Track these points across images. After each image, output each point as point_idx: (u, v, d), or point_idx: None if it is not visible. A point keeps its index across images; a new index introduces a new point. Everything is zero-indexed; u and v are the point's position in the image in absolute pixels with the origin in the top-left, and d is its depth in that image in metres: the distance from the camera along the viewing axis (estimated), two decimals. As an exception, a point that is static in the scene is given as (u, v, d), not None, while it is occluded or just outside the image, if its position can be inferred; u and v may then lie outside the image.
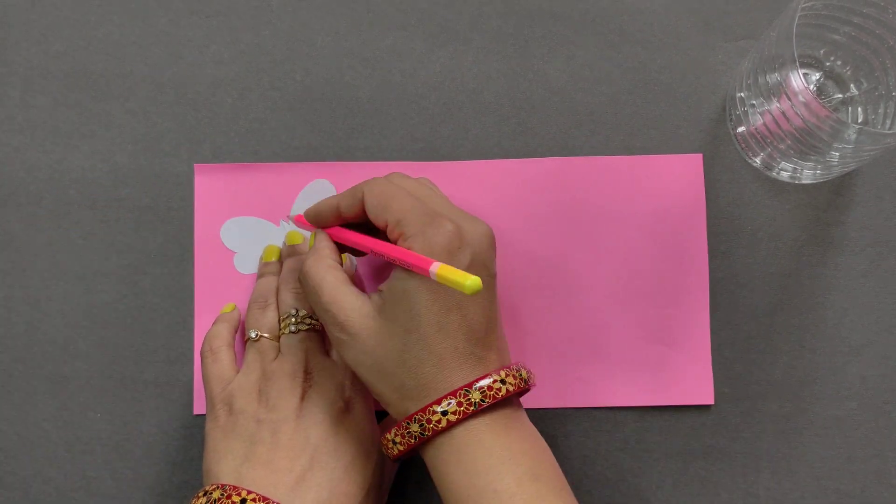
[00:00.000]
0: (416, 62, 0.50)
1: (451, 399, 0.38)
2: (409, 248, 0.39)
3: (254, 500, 0.39)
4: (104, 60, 0.50)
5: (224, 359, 0.45)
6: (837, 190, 0.49)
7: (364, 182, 0.43)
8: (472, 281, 0.36)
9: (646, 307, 0.49)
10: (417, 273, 0.38)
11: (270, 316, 0.46)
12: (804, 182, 0.49)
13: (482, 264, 0.40)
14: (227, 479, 0.41)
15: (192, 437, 0.49)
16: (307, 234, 0.49)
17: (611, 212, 0.49)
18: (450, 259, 0.39)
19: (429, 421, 0.39)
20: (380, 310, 0.40)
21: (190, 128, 0.50)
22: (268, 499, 0.39)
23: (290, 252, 0.49)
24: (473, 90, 0.50)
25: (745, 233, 0.49)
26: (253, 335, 0.45)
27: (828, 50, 0.47)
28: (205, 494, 0.40)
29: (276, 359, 0.44)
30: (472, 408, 0.38)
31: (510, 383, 0.39)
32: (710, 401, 0.49)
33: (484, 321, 0.40)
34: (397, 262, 0.40)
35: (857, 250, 0.49)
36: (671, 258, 0.49)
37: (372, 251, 0.41)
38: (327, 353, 0.45)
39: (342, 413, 0.43)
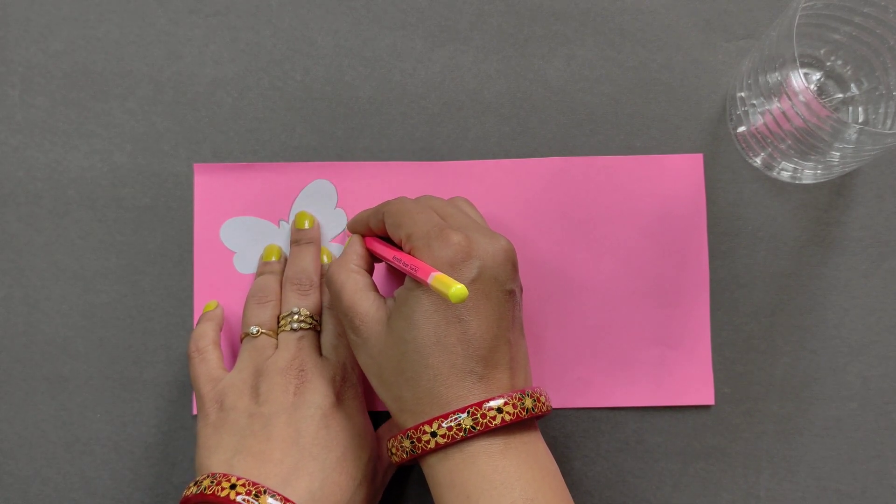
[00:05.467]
0: (416, 62, 0.50)
1: (442, 421, 0.38)
2: None
3: (244, 485, 0.39)
4: (103, 60, 0.50)
5: (212, 358, 0.45)
6: (838, 190, 0.49)
7: (388, 201, 0.43)
8: (456, 288, 0.35)
9: (646, 307, 0.49)
10: (420, 282, 0.38)
11: (270, 312, 0.46)
12: (805, 182, 0.49)
13: (493, 279, 0.39)
14: (219, 470, 0.41)
15: (191, 438, 0.49)
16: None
17: (611, 212, 0.49)
18: (452, 272, 0.38)
19: (419, 440, 0.38)
20: (389, 316, 0.40)
21: (189, 127, 0.50)
22: (258, 483, 0.39)
23: (296, 239, 0.49)
24: (473, 90, 0.50)
25: (745, 233, 0.49)
26: (253, 331, 0.45)
27: (828, 49, 0.47)
28: (195, 484, 0.40)
29: (270, 356, 0.44)
30: (461, 433, 0.38)
31: (508, 412, 0.38)
32: (711, 401, 0.49)
33: (488, 338, 0.39)
34: (407, 272, 0.39)
35: (858, 250, 0.49)
36: (671, 258, 0.49)
37: (390, 260, 0.42)
38: (321, 354, 0.45)
39: (334, 407, 0.43)
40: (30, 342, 0.49)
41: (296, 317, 0.45)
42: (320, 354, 0.45)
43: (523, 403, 0.39)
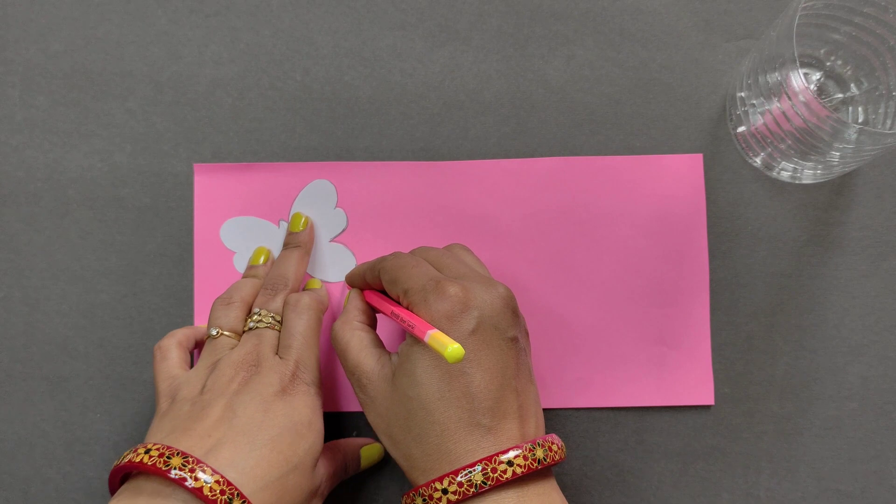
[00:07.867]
0: (416, 62, 0.50)
1: (452, 478, 0.37)
2: None
3: (157, 448, 0.38)
4: (103, 60, 0.50)
5: (172, 357, 0.45)
6: (838, 190, 0.49)
7: (383, 257, 0.43)
8: (452, 349, 0.34)
9: (646, 307, 0.49)
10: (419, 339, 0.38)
11: (234, 313, 0.45)
12: (805, 182, 0.49)
13: (493, 328, 0.39)
14: None
15: (191, 438, 0.49)
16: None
17: (611, 212, 0.49)
18: (451, 325, 0.38)
19: (430, 497, 0.38)
20: (393, 373, 0.40)
21: (189, 127, 0.50)
22: (171, 447, 0.38)
23: (286, 242, 0.49)
24: (473, 90, 0.50)
25: (745, 233, 0.49)
26: (213, 332, 0.45)
27: (828, 49, 0.47)
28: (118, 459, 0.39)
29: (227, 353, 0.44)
30: (472, 489, 0.37)
31: (519, 464, 0.37)
32: (711, 401, 0.49)
33: (493, 388, 0.38)
34: (405, 328, 0.39)
35: (858, 250, 0.49)
36: (671, 258, 0.49)
37: (388, 315, 0.42)
38: (278, 355, 0.44)
39: (276, 396, 0.41)
40: (29, 342, 0.49)
41: (255, 317, 0.45)
42: (278, 356, 0.44)
43: (534, 454, 0.38)
